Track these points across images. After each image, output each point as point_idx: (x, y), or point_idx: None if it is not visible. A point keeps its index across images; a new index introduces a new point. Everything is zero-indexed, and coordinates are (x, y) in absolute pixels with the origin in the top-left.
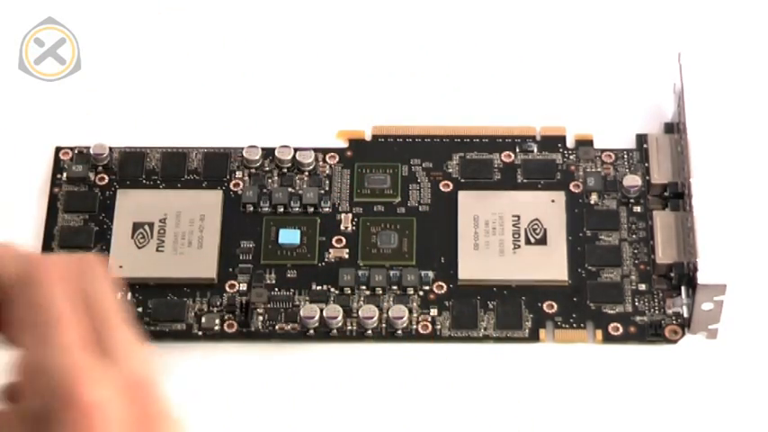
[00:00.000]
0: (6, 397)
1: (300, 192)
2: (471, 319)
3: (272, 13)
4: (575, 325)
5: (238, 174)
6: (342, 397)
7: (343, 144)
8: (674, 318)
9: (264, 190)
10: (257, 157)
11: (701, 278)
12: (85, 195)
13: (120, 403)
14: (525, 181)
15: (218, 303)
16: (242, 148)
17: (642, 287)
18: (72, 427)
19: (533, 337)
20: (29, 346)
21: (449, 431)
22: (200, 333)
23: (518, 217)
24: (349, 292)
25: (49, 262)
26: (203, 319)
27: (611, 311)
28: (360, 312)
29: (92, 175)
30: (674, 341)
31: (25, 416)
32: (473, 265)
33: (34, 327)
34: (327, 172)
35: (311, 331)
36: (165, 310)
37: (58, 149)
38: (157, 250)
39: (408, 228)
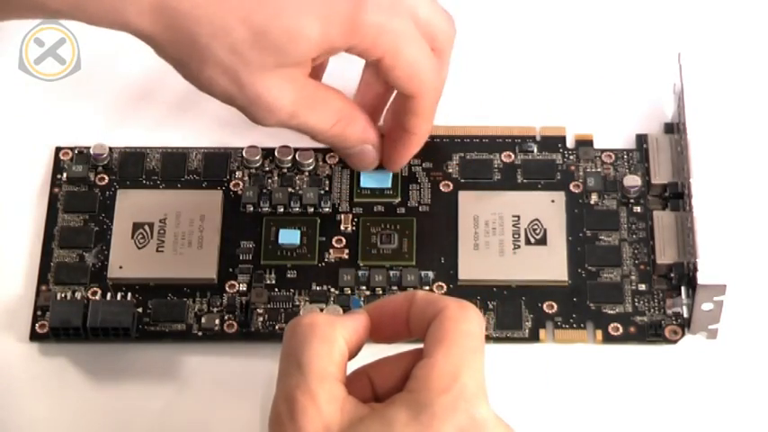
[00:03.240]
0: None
1: (300, 192)
2: None
3: None
4: (575, 325)
5: (238, 174)
6: None
7: None
8: (674, 318)
9: (264, 190)
10: (257, 157)
11: (701, 278)
12: (85, 195)
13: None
14: (525, 181)
15: (218, 303)
16: (242, 148)
17: (642, 287)
18: (455, 428)
19: (533, 337)
20: (437, 355)
21: None
22: (200, 333)
23: (518, 217)
24: (349, 292)
25: (476, 309)
26: (203, 320)
27: (611, 311)
28: None
29: (92, 175)
30: (674, 341)
31: (410, 403)
32: (473, 265)
33: (451, 345)
34: (327, 172)
35: None
36: (165, 310)
37: (57, 149)
38: (157, 250)
39: (408, 228)
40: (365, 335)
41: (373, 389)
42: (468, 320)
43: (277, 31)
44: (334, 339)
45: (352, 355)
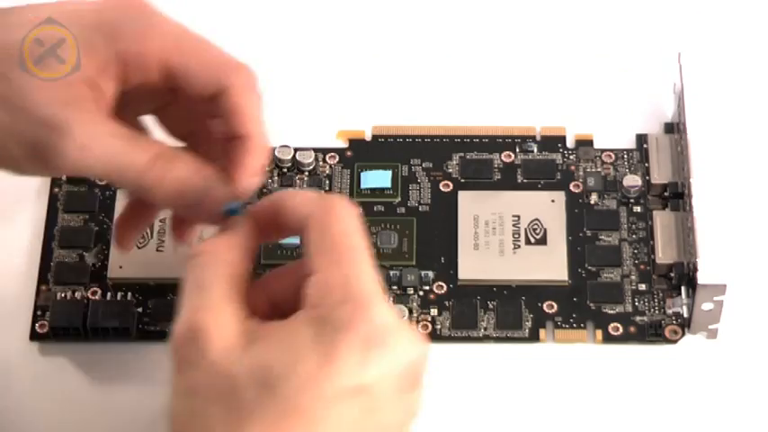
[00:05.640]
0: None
1: None
2: (471, 319)
3: (272, 13)
4: (575, 325)
5: None
6: None
7: (344, 144)
8: (674, 318)
9: (264, 190)
10: None
11: (701, 278)
12: (85, 195)
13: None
14: (525, 181)
15: None
16: None
17: (642, 287)
18: (359, 337)
19: (533, 337)
20: (324, 269)
21: (449, 431)
22: None
23: (518, 217)
24: None
25: (340, 202)
26: None
27: (611, 311)
28: None
29: None
30: (674, 341)
31: (311, 319)
32: (473, 265)
33: (332, 253)
34: (327, 172)
35: None
36: (165, 310)
37: None
38: (157, 250)
39: (408, 228)
40: (256, 247)
41: (271, 305)
42: (337, 221)
43: None
44: (233, 262)
45: (249, 271)
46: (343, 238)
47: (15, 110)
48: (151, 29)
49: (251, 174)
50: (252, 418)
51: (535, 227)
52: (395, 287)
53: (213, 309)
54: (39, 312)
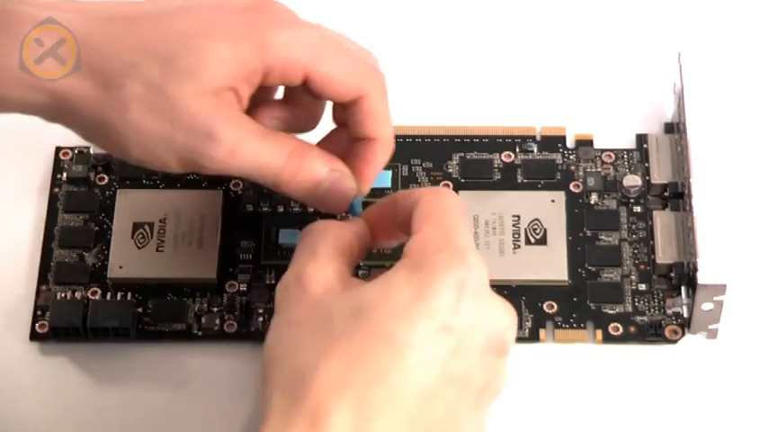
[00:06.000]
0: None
1: None
2: None
3: None
4: (575, 325)
5: None
6: None
7: None
8: (674, 318)
9: (264, 190)
10: None
11: (701, 278)
12: (85, 195)
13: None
14: (525, 181)
15: (218, 303)
16: None
17: (642, 287)
18: (454, 279)
19: (533, 337)
20: (425, 229)
21: None
22: (200, 333)
23: (518, 217)
24: None
25: (448, 189)
26: (203, 319)
27: (611, 311)
28: None
29: (92, 175)
30: (674, 341)
31: (408, 264)
32: None
33: (435, 218)
34: None
35: None
36: (165, 310)
37: (58, 149)
38: (157, 250)
39: None
40: (367, 240)
41: None
42: (444, 199)
43: (185, 55)
44: (346, 237)
45: (358, 257)
46: (447, 210)
47: (167, 119)
48: (297, 39)
49: (376, 172)
50: (341, 340)
51: (535, 227)
52: None
53: (319, 261)
54: (39, 312)
